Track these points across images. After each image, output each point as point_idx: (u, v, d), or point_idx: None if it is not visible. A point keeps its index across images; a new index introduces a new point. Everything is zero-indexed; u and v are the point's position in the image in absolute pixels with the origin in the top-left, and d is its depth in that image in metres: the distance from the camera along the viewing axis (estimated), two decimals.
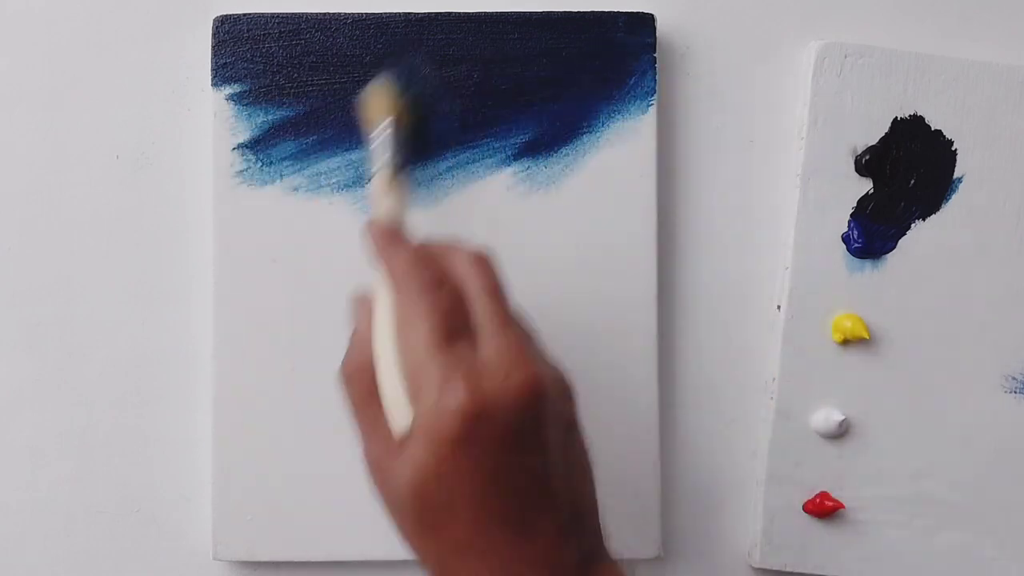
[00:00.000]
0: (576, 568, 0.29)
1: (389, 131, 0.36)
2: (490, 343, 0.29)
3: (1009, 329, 0.42)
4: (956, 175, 0.42)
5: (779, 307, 0.42)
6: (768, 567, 0.42)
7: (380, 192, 0.35)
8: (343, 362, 0.32)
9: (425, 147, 0.38)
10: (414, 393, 0.29)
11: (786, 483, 0.42)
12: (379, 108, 0.38)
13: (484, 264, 0.32)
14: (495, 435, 0.28)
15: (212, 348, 0.41)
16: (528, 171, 0.41)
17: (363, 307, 0.33)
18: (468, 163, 0.41)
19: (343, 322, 0.41)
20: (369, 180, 0.35)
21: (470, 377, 0.28)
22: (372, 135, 0.37)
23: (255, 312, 0.41)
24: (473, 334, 0.30)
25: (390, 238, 0.33)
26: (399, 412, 0.29)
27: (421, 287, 0.30)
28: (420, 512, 0.28)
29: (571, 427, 0.31)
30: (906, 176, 0.42)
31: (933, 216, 0.42)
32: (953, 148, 0.42)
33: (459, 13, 0.41)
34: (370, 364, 0.31)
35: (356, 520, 0.41)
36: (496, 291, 0.31)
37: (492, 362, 0.28)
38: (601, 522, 0.31)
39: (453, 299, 0.30)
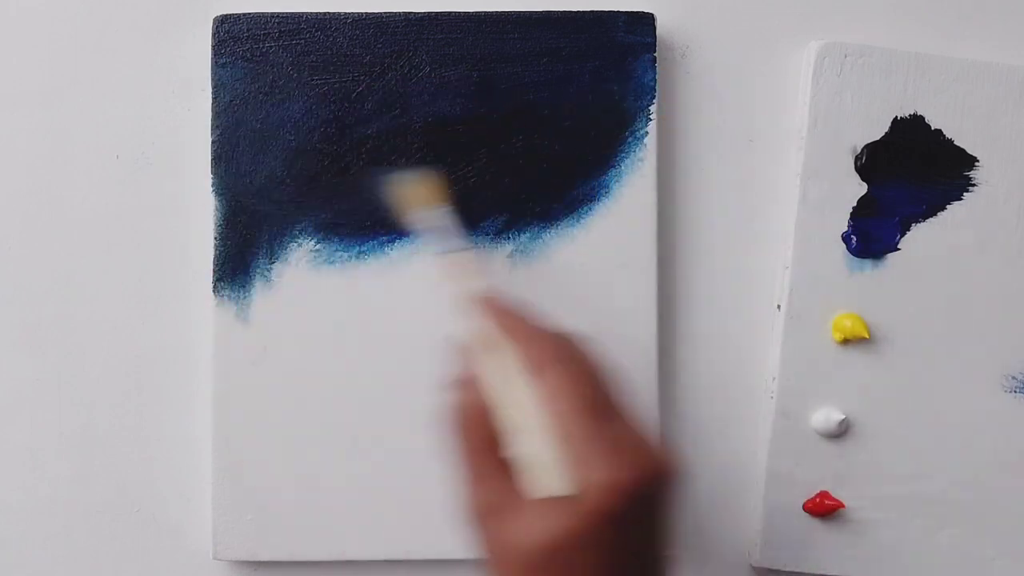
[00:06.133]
0: None
1: (444, 216, 0.38)
2: (631, 424, 0.31)
3: (1009, 329, 0.42)
4: (956, 175, 0.42)
5: (779, 307, 0.42)
6: (768, 567, 0.42)
7: (465, 271, 0.36)
8: (456, 407, 0.32)
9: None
10: (575, 461, 0.29)
11: (786, 483, 0.42)
12: (422, 197, 0.39)
13: (589, 345, 0.33)
14: (643, 513, 0.29)
15: (212, 348, 0.41)
16: None
17: (471, 355, 0.33)
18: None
19: (342, 321, 0.41)
20: (440, 261, 0.37)
21: (639, 458, 0.29)
22: (422, 223, 0.38)
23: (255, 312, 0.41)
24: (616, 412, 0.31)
25: (507, 309, 0.34)
26: (547, 475, 0.29)
27: (571, 358, 0.31)
28: (538, 570, 0.29)
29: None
30: (906, 176, 0.42)
31: (933, 216, 0.42)
32: (953, 148, 0.42)
33: (459, 13, 0.41)
34: (486, 414, 0.32)
35: (356, 520, 0.41)
36: (609, 375, 0.32)
37: (643, 443, 0.30)
38: None
39: (595, 374, 0.32)
